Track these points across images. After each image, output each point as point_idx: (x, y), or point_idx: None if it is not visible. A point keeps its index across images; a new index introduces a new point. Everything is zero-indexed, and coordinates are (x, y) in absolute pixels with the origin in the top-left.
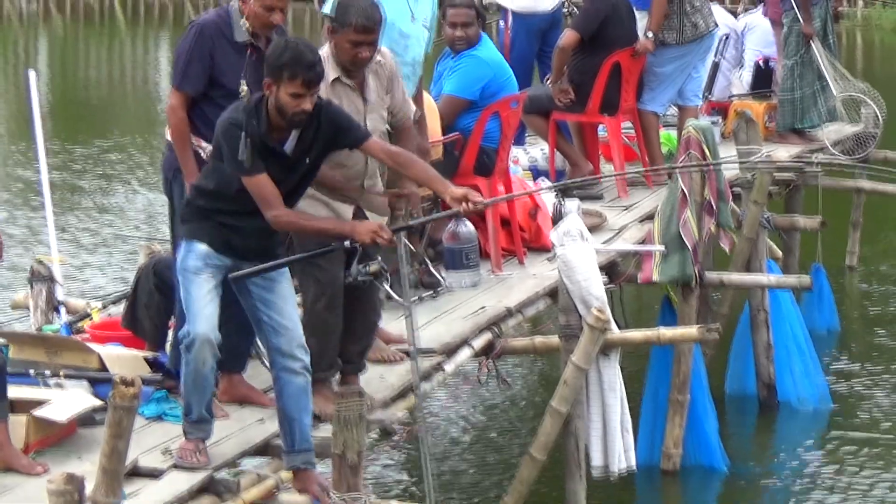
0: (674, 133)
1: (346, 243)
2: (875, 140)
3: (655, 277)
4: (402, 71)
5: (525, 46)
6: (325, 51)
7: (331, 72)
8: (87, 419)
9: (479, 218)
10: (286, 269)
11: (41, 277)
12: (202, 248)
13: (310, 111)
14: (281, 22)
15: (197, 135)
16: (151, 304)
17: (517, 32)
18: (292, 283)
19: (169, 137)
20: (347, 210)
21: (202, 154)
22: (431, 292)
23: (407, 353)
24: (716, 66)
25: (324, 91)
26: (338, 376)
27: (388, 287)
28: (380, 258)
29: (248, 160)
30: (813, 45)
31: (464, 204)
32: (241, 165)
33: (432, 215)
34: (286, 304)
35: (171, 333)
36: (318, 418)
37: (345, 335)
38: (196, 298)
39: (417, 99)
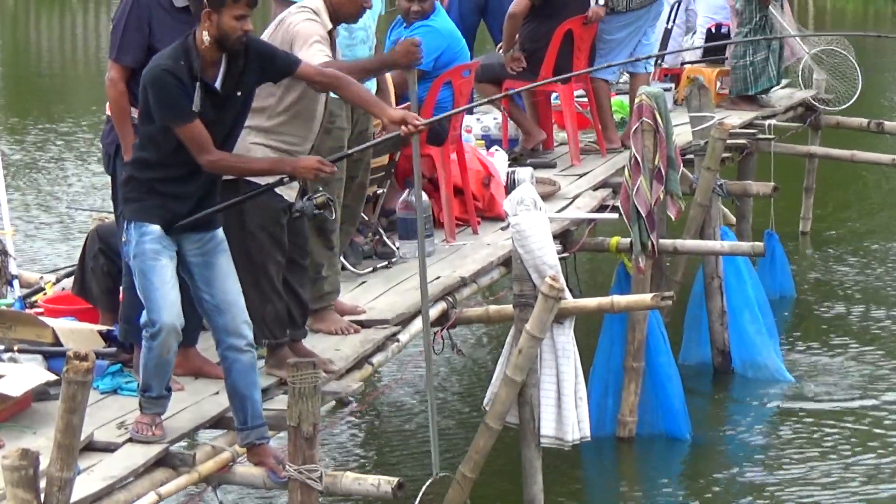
0: (626, 100)
1: (286, 179)
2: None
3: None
4: (357, 36)
5: (457, 17)
6: (313, 4)
7: (327, 22)
8: (41, 393)
9: (432, 187)
10: (225, 244)
11: None
12: (155, 229)
13: (251, 31)
14: None
15: (136, 106)
16: (97, 267)
17: (452, 4)
18: (231, 258)
19: (109, 111)
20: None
21: None
22: (385, 262)
23: (362, 324)
24: (667, 33)
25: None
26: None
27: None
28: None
29: (198, 105)
30: (770, 9)
31: (403, 126)
32: (178, 113)
33: (373, 140)
34: (226, 279)
35: (121, 307)
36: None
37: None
38: (157, 286)
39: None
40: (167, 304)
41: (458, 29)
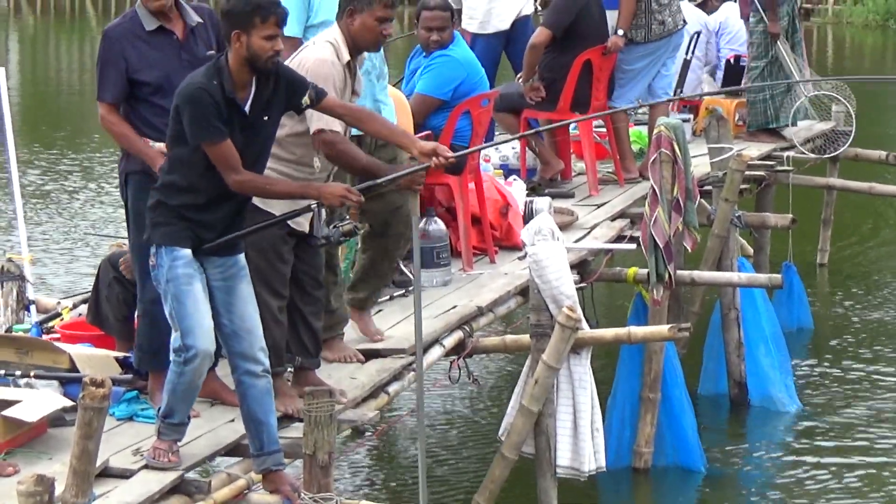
0: (644, 131)
1: (313, 206)
2: (848, 138)
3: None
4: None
5: (483, 53)
6: (331, 37)
7: (345, 54)
8: (57, 419)
9: (450, 216)
10: (246, 270)
11: (12, 276)
12: (186, 253)
13: (281, 51)
14: None
15: (140, 134)
16: (112, 295)
17: (475, 40)
18: (251, 284)
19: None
20: None
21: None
22: (402, 291)
23: (378, 353)
24: (686, 64)
25: (340, 73)
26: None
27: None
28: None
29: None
30: (779, 45)
31: (434, 158)
32: (211, 131)
33: (402, 171)
34: (246, 306)
35: (136, 334)
36: (289, 417)
37: (299, 324)
38: (191, 311)
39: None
40: (202, 330)
41: (486, 59)
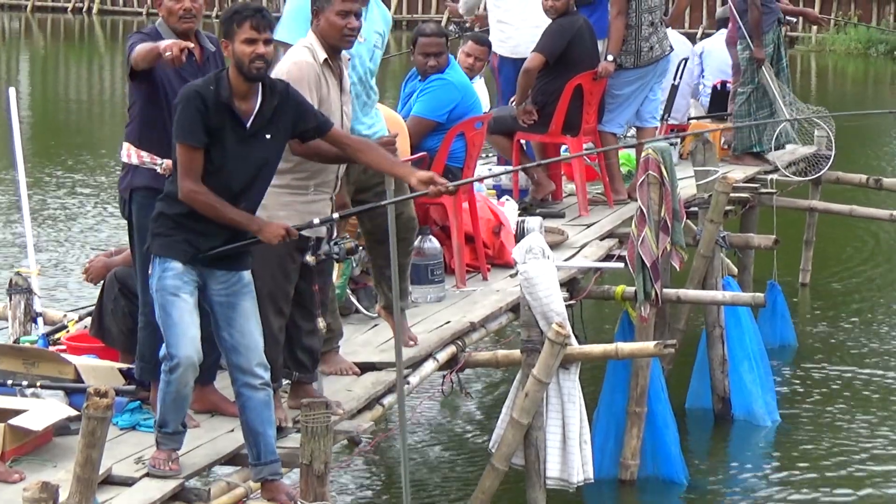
0: (633, 153)
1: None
2: (828, 161)
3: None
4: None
5: (510, 75)
6: (307, 41)
7: (320, 53)
8: (62, 428)
9: (444, 235)
10: (252, 286)
11: (20, 289)
12: (177, 265)
13: (265, 56)
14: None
15: (151, 151)
16: (117, 309)
17: (503, 62)
18: (255, 301)
19: (125, 158)
20: (325, 206)
21: (157, 170)
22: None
23: (374, 367)
24: (674, 89)
25: (314, 72)
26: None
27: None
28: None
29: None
30: (764, 70)
31: (430, 186)
32: (188, 133)
33: (403, 195)
34: (248, 321)
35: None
36: (279, 428)
37: (295, 341)
38: (177, 321)
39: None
40: (186, 339)
41: (512, 81)
